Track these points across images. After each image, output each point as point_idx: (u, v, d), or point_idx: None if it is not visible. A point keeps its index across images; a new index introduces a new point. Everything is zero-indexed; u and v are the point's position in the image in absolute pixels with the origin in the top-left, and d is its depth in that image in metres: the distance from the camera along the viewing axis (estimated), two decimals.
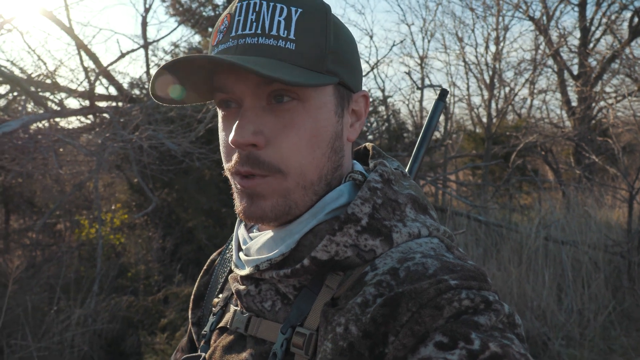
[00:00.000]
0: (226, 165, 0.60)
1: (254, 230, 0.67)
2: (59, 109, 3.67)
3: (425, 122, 0.86)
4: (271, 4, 0.55)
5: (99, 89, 4.58)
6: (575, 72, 8.66)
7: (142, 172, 4.26)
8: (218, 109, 0.61)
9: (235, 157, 0.57)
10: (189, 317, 0.75)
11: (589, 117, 7.95)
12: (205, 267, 0.78)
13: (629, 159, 7.10)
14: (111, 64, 3.91)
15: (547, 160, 8.68)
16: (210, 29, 6.44)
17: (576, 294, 3.88)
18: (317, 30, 0.56)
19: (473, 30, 15.08)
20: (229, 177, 0.61)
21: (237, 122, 0.56)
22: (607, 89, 8.09)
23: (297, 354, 0.54)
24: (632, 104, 6.86)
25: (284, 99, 0.56)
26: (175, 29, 6.31)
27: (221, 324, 0.65)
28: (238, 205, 0.60)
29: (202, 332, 0.68)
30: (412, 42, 13.45)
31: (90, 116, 4.13)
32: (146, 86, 5.05)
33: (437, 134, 9.15)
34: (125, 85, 4.99)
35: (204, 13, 6.18)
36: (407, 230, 0.57)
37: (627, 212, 4.50)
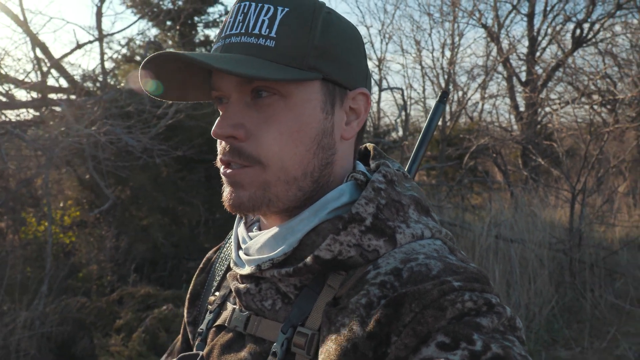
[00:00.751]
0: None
1: (254, 229, 0.68)
2: (6, 100, 3.47)
3: (424, 124, 0.87)
4: (259, 4, 0.58)
5: (49, 81, 4.36)
6: (524, 79, 9.11)
7: (96, 168, 4.09)
8: (215, 104, 0.63)
9: (220, 147, 0.60)
10: (185, 316, 0.75)
11: (535, 121, 8.38)
12: (201, 266, 0.78)
13: (571, 161, 7.55)
14: (66, 55, 3.74)
15: (497, 162, 9.08)
16: (169, 23, 6.27)
17: (523, 289, 4.09)
18: (299, 27, 0.57)
19: (430, 35, 15.55)
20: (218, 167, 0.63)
21: (220, 115, 0.59)
22: (552, 96, 8.59)
23: (299, 354, 0.54)
24: (574, 111, 7.32)
25: (262, 94, 0.57)
26: (135, 22, 6.09)
27: (218, 322, 0.65)
28: (223, 195, 0.62)
29: (199, 329, 0.67)
30: (370, 44, 13.66)
31: (44, 108, 3.92)
32: (100, 79, 4.86)
33: (394, 135, 9.35)
34: (77, 78, 4.78)
35: (162, 6, 6.01)
36: (410, 232, 0.57)
37: (569, 211, 4.80)
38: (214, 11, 6.83)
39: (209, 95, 0.65)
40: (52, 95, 4.31)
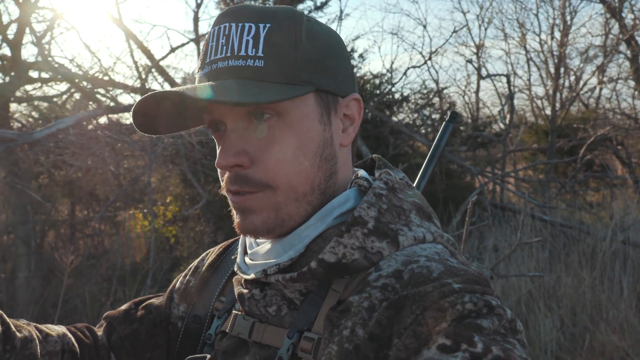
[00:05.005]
0: (222, 185, 0.62)
1: None
2: (113, 105, 3.73)
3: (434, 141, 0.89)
4: (240, 24, 0.56)
5: (154, 85, 4.64)
6: None
7: (194, 167, 4.27)
8: (210, 131, 0.63)
9: (225, 177, 0.60)
10: (180, 282, 0.76)
11: None
12: (210, 262, 0.76)
13: None
14: (162, 58, 3.94)
15: (619, 155, 8.01)
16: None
17: None
18: (286, 42, 0.56)
19: (537, 15, 14.13)
20: (225, 194, 0.63)
21: (221, 145, 0.58)
22: None
23: (305, 359, 0.54)
24: None
25: (264, 117, 0.57)
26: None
27: (222, 328, 0.65)
28: (234, 220, 0.62)
29: (207, 333, 0.67)
30: (467, 31, 12.86)
31: None
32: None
33: (496, 127, 8.68)
34: (179, 81, 5.04)
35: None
36: (412, 234, 0.58)
37: None
38: (304, 7, 6.82)
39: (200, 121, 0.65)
40: None
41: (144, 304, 0.78)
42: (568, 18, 8.00)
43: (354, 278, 0.56)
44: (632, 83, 8.51)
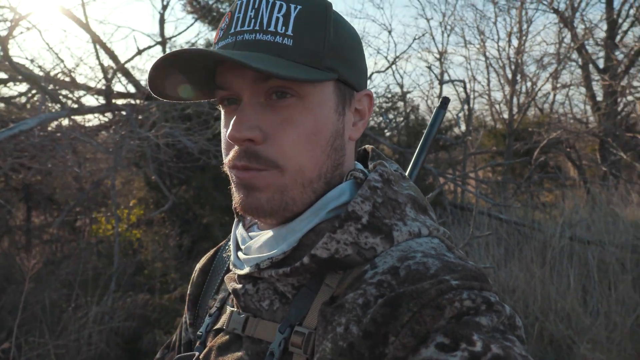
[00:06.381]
0: (225, 160, 0.61)
1: (255, 229, 0.67)
2: (76, 106, 3.67)
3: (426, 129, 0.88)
4: (270, 1, 0.56)
5: (118, 87, 4.58)
6: (601, 66, 8.38)
7: (159, 169, 4.25)
8: (220, 107, 0.62)
9: (233, 151, 0.58)
10: (187, 317, 0.73)
11: (615, 112, 7.69)
12: (200, 267, 0.76)
13: None
14: (128, 61, 3.90)
15: (571, 157, 8.44)
16: None
17: (602, 296, 3.73)
18: (316, 26, 0.56)
19: (495, 24, 14.73)
20: (227, 171, 0.61)
21: (235, 117, 0.56)
22: (635, 83, 7.82)
23: (296, 353, 0.53)
24: None
25: (286, 96, 0.56)
26: (191, 25, 6.29)
27: (217, 326, 0.64)
28: (236, 198, 0.60)
29: (198, 332, 0.67)
30: (431, 37, 13.24)
31: (109, 114, 4.13)
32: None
33: (457, 131, 8.98)
34: (143, 83, 4.99)
35: (221, 9, 6.15)
36: (407, 229, 0.57)
37: None
38: None
39: (209, 95, 0.63)
40: (121, 101, 4.54)
41: (167, 344, 0.79)
42: (524, 27, 8.38)
43: (348, 274, 0.55)
44: (583, 89, 8.99)
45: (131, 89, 4.85)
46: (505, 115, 8.45)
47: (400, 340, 0.46)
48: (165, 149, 3.74)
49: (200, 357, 0.62)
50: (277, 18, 0.55)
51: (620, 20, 8.41)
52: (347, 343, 0.48)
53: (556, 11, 8.16)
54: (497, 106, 9.38)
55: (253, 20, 0.55)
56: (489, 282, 0.51)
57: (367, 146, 0.71)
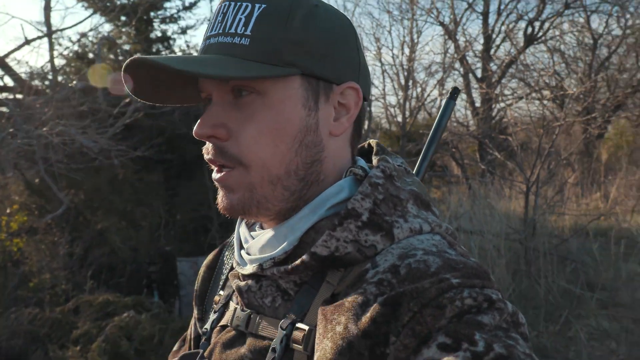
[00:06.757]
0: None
1: (256, 228, 0.67)
2: None
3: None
4: (238, 3, 0.57)
5: None
6: (479, 75, 9.39)
7: (47, 171, 3.88)
8: (202, 105, 0.64)
9: (204, 148, 0.60)
10: (195, 313, 0.74)
11: (491, 116, 8.66)
12: (207, 263, 0.77)
13: (525, 154, 7.86)
14: (12, 52, 3.51)
15: (455, 157, 9.32)
16: (123, 18, 6.02)
17: None
18: (274, 23, 0.56)
19: (390, 32, 15.76)
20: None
21: (202, 115, 0.58)
22: (506, 92, 8.88)
23: (297, 350, 0.53)
24: (527, 106, 7.61)
25: (242, 94, 0.57)
26: (87, 18, 5.81)
27: (222, 322, 0.65)
28: (218, 198, 0.62)
29: (203, 329, 0.67)
30: None
31: None
32: (49, 77, 4.61)
33: None
34: (25, 76, 4.52)
35: (116, 0, 5.76)
36: (408, 226, 0.56)
37: (523, 202, 4.98)
38: (172, 6, 6.66)
39: (196, 98, 0.65)
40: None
41: (183, 337, 0.79)
42: (415, 37, 9.07)
43: (350, 271, 0.55)
44: (464, 96, 9.98)
45: (9, 81, 4.36)
46: (399, 119, 9.07)
47: (402, 341, 0.46)
48: (59, 148, 3.42)
49: (205, 354, 0.63)
50: (240, 19, 0.56)
51: (494, 36, 9.50)
52: (346, 342, 0.48)
53: (442, 24, 8.94)
54: (391, 109, 10.03)
55: (219, 25, 0.57)
56: (491, 280, 0.50)
57: (371, 140, 0.70)
